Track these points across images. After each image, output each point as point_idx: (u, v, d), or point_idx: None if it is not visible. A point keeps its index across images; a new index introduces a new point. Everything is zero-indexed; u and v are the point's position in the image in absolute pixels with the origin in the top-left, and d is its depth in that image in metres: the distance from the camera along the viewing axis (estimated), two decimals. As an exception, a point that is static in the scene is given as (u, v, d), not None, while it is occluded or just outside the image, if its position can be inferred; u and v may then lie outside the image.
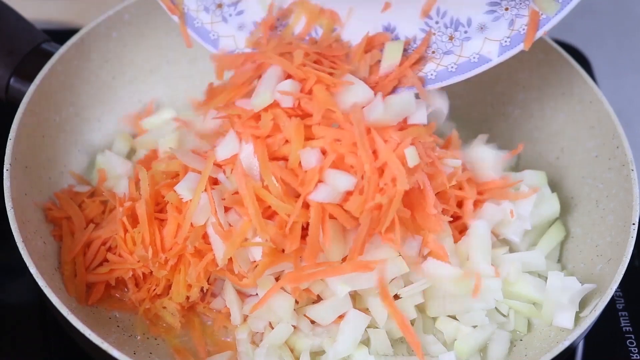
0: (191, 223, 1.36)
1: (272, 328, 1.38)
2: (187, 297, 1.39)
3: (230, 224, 1.36)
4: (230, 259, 1.35)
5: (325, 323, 1.38)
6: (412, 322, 1.38)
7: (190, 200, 1.35)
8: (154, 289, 1.40)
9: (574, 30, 2.08)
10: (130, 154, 1.63)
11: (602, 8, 2.19)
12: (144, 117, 1.65)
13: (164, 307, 1.40)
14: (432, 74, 1.44)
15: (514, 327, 1.43)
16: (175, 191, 1.37)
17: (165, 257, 1.37)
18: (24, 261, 1.32)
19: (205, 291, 1.42)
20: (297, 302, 1.37)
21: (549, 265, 1.49)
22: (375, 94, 1.38)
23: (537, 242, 1.52)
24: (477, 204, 1.46)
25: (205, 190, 1.35)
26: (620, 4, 2.21)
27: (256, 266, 1.35)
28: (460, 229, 1.45)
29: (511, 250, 1.48)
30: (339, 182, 1.32)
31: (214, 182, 1.38)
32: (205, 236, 1.37)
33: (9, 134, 1.43)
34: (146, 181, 1.40)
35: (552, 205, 1.54)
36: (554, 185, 1.59)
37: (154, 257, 1.36)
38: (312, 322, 1.40)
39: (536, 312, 1.43)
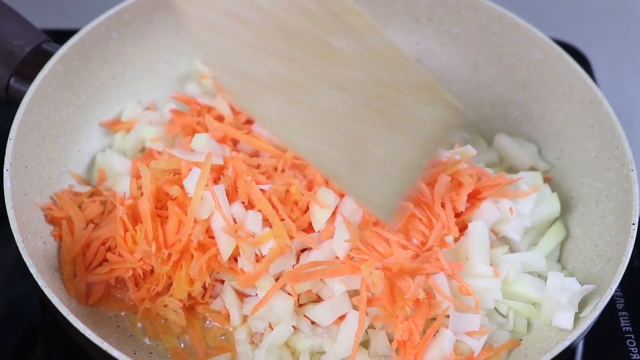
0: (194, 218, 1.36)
1: (272, 329, 1.38)
2: (189, 294, 1.39)
3: (234, 219, 1.37)
4: (234, 259, 1.36)
5: (325, 324, 1.38)
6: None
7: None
8: (154, 288, 1.40)
9: (574, 30, 2.08)
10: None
11: (602, 8, 2.19)
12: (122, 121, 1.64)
13: (165, 305, 1.40)
14: None
15: (514, 328, 1.43)
16: (179, 186, 1.37)
17: (168, 252, 1.37)
18: (23, 261, 1.32)
19: (206, 287, 1.42)
20: (297, 303, 1.37)
21: (549, 265, 1.48)
22: None
23: (537, 242, 1.52)
24: (475, 202, 1.45)
25: (207, 186, 1.36)
26: (620, 4, 2.21)
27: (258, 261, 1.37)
28: (459, 228, 1.45)
29: (511, 249, 1.48)
30: None
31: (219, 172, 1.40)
32: (208, 230, 1.37)
33: (9, 134, 1.43)
34: (148, 178, 1.40)
35: (552, 204, 1.54)
36: (554, 185, 1.59)
37: (157, 253, 1.37)
38: (312, 322, 1.40)
39: (536, 313, 1.43)
